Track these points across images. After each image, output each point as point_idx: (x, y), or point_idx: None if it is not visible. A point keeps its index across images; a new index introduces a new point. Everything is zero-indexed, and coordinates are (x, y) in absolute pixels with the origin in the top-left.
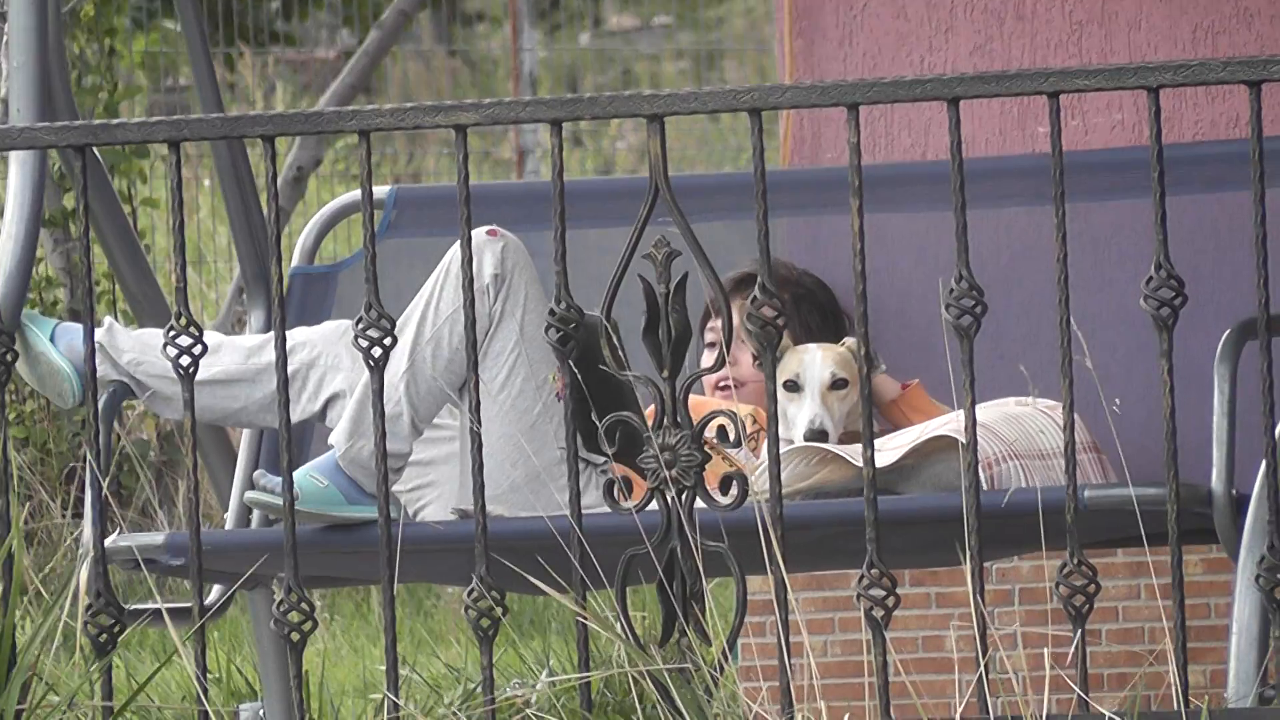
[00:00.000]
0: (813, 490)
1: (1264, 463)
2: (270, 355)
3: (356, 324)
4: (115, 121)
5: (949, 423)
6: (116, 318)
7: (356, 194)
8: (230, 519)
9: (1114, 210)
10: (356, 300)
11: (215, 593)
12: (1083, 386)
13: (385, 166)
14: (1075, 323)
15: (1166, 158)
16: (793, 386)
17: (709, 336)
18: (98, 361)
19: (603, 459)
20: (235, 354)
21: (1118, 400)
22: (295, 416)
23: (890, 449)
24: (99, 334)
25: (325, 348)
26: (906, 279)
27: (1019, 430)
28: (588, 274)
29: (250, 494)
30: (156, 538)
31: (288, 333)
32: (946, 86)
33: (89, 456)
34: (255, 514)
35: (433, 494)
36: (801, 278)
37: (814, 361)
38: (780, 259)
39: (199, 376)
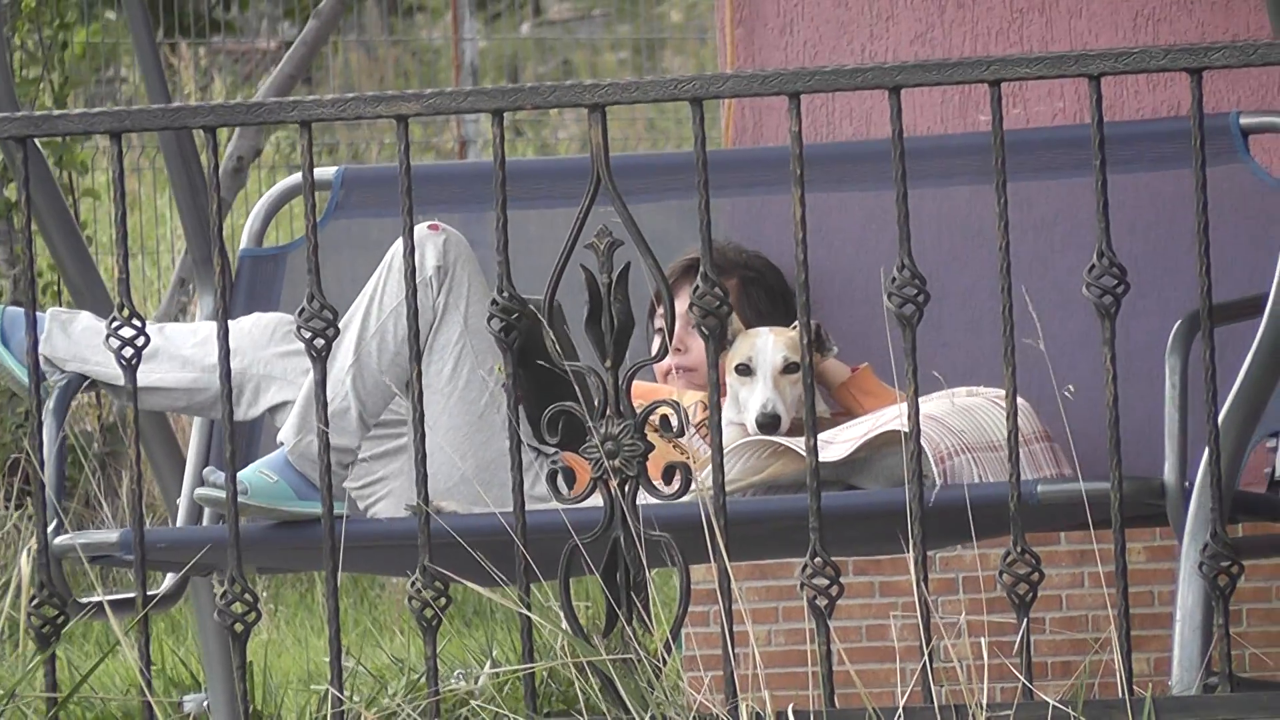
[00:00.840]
0: (765, 484)
1: (1207, 450)
2: (206, 361)
3: (299, 314)
4: (57, 113)
5: (900, 415)
6: (60, 306)
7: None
8: (181, 516)
9: (1056, 191)
10: (306, 282)
11: (169, 581)
12: (1032, 374)
13: (326, 156)
14: (1019, 308)
15: (1112, 135)
16: (745, 370)
17: (659, 323)
18: (45, 371)
19: (554, 449)
20: (171, 363)
21: (1071, 387)
22: (239, 415)
23: (842, 441)
24: (40, 348)
25: (254, 354)
26: (850, 263)
27: (970, 422)
28: (531, 259)
29: (200, 490)
30: (110, 535)
31: (216, 339)
32: (888, 75)
33: (29, 448)
34: (207, 511)
35: (384, 490)
36: (751, 260)
37: (766, 346)
38: (729, 241)
39: (141, 383)
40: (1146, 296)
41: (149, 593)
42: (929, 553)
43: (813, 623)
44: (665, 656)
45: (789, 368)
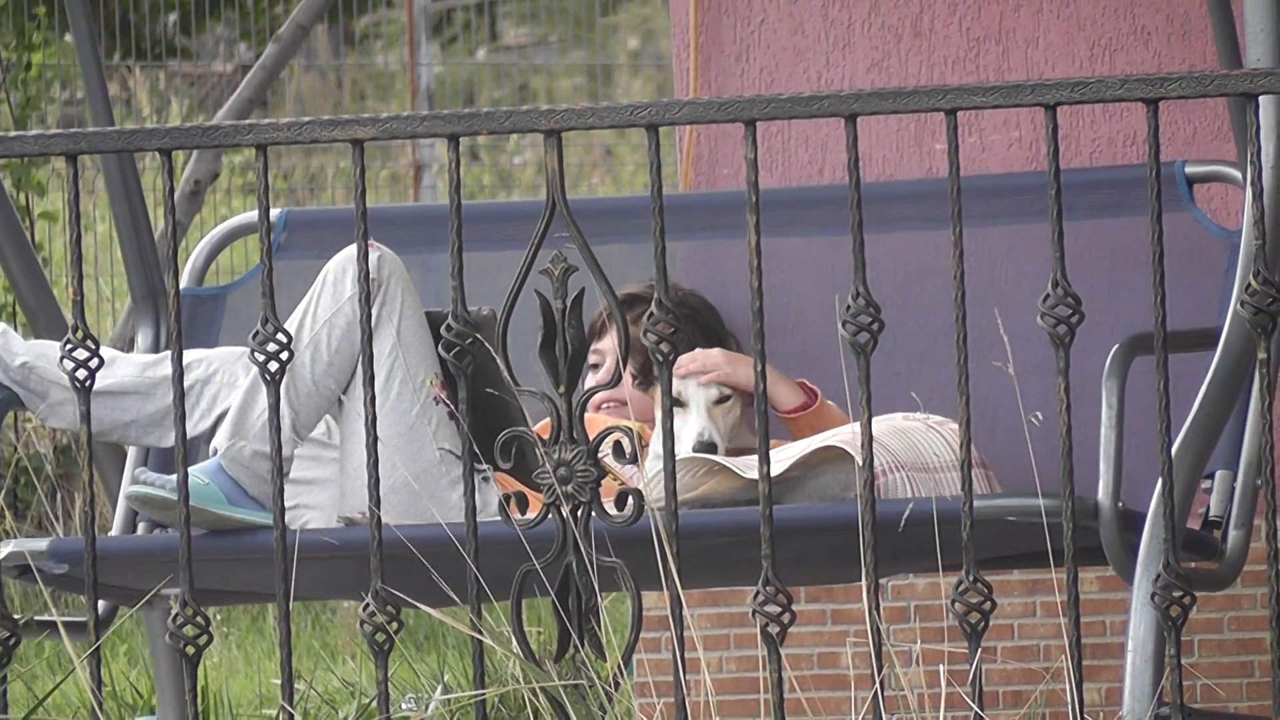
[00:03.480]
0: (699, 501)
1: (1160, 481)
2: (165, 370)
3: (253, 338)
4: (12, 134)
5: (835, 434)
6: (16, 330)
7: (246, 216)
8: (116, 524)
9: (1008, 232)
10: (244, 322)
11: (104, 607)
12: (978, 403)
13: (281, 181)
14: (971, 340)
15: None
16: (677, 404)
17: (592, 358)
18: None
19: (484, 466)
20: (130, 367)
21: (1039, 413)
22: (187, 432)
23: (776, 460)
24: None
25: (222, 365)
26: (803, 298)
27: (906, 443)
28: (481, 291)
29: (132, 488)
30: (40, 543)
31: (186, 350)
32: (844, 103)
33: None
34: (141, 521)
35: (312, 514)
36: (687, 298)
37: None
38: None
39: (95, 387)
40: (1088, 336)
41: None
42: (882, 580)
43: (764, 650)
44: (617, 682)
45: (721, 399)
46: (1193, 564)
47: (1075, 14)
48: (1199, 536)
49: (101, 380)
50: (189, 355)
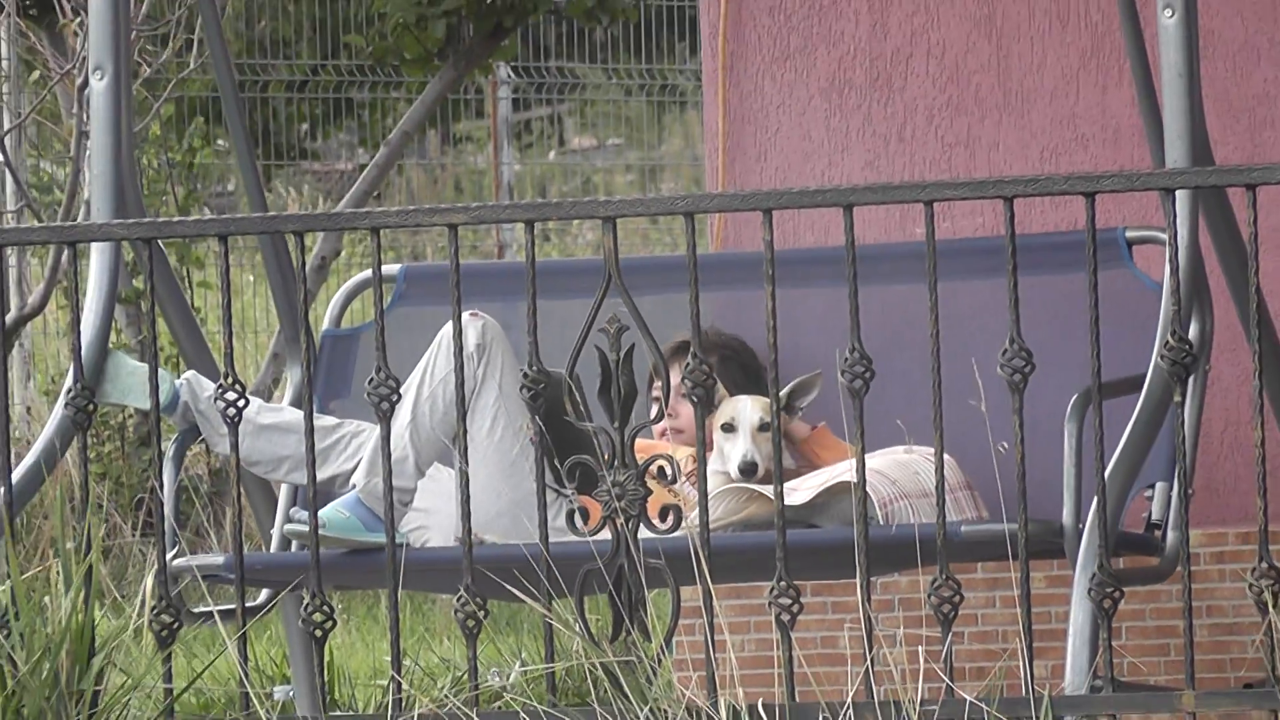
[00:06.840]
0: (743, 522)
1: (1095, 499)
2: (326, 421)
3: (368, 383)
4: (175, 219)
5: (851, 469)
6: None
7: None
8: (274, 545)
9: (976, 291)
10: (375, 358)
11: (264, 595)
12: (960, 435)
13: (390, 254)
14: (950, 383)
15: (1021, 245)
16: (729, 428)
17: (655, 393)
18: (185, 395)
19: (570, 491)
20: (297, 414)
21: (1004, 443)
22: (330, 471)
23: (805, 489)
24: (186, 375)
25: (371, 429)
26: (812, 343)
27: (907, 474)
28: (554, 341)
29: (287, 527)
30: (217, 559)
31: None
32: (842, 195)
33: (154, 481)
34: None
35: (431, 533)
36: (729, 341)
37: (745, 408)
38: (712, 326)
39: (265, 421)
40: (1049, 375)
41: (247, 604)
42: (872, 579)
43: (778, 634)
44: (660, 659)
45: (764, 426)
46: (1126, 560)
47: (1028, 124)
48: (1143, 538)
49: (272, 418)
50: (347, 421)
